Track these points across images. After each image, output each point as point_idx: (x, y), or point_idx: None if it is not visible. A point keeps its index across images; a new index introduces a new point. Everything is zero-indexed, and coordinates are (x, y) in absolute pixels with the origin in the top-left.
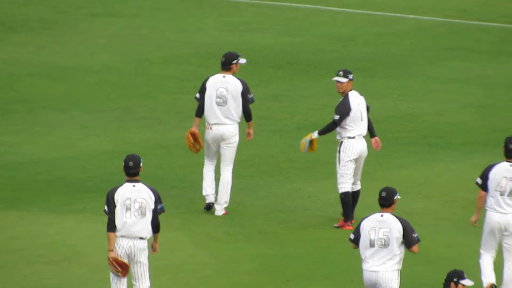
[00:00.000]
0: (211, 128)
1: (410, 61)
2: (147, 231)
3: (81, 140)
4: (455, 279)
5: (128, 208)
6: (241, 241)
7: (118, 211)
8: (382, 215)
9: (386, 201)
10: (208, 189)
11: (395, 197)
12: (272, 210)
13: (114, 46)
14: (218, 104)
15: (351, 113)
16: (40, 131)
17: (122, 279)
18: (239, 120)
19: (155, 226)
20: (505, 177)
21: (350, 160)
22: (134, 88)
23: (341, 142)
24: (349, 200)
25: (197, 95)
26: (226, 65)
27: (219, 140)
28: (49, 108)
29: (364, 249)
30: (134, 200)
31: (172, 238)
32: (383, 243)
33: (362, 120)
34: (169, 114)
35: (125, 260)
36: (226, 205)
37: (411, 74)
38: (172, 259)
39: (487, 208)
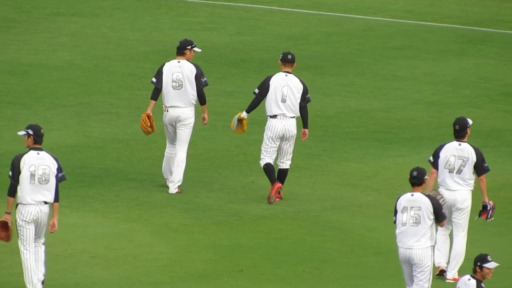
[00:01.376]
0: (167, 110)
1: (359, 59)
2: (51, 196)
3: (43, 134)
4: (478, 263)
5: (32, 175)
6: (196, 232)
7: (24, 177)
8: (412, 195)
9: (417, 180)
10: (167, 172)
11: (425, 177)
12: (227, 202)
13: (75, 44)
14: (174, 88)
15: (270, 92)
16: (4, 125)
17: (28, 242)
18: (194, 103)
19: (56, 195)
20: (454, 155)
21: (271, 138)
22: (95, 84)
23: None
24: (270, 168)
25: (153, 79)
26: (181, 49)
27: (175, 121)
28: (13, 104)
29: (399, 226)
30: (38, 166)
31: (130, 229)
32: (415, 221)
33: (284, 101)
34: (129, 109)
35: (28, 226)
36: (179, 183)
37: (360, 72)
38: (130, 249)
39: (438, 186)
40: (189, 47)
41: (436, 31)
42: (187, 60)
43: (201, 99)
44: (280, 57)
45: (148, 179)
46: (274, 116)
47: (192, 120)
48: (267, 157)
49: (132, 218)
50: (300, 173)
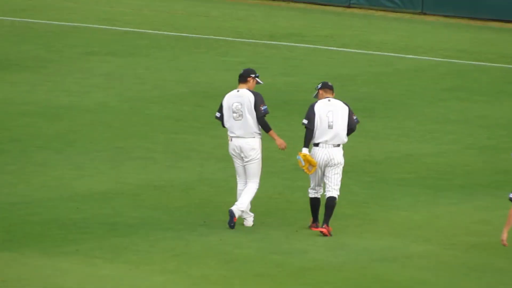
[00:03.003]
0: (231, 139)
1: (409, 101)
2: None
3: (75, 180)
4: None
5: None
6: (237, 284)
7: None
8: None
9: None
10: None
11: None
12: (269, 252)
13: (109, 85)
14: (235, 119)
15: (316, 119)
16: (34, 171)
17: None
18: (258, 133)
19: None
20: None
21: (317, 165)
22: (130, 127)
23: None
24: (314, 204)
25: (217, 113)
26: (244, 76)
27: (240, 152)
28: (43, 148)
29: None
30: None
31: (166, 281)
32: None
33: (330, 127)
34: (165, 154)
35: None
36: (242, 208)
37: (410, 114)
38: None
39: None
40: (253, 75)
41: (490, 71)
42: (248, 89)
43: (264, 127)
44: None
45: (185, 228)
46: (316, 145)
47: (258, 152)
48: (310, 187)
49: (168, 269)
50: (347, 222)
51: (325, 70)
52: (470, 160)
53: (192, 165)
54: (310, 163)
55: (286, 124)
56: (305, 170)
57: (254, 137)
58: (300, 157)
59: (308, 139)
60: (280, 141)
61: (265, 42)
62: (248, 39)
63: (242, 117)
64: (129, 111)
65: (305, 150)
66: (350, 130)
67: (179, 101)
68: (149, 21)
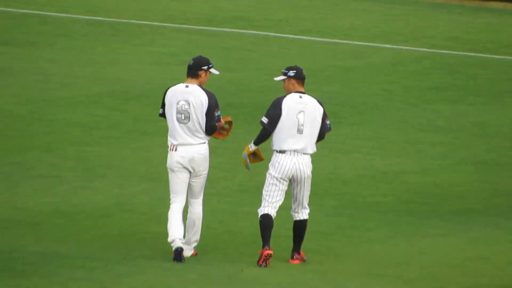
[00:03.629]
0: (175, 149)
1: (386, 103)
2: None
3: None
4: None
5: None
6: None
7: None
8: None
9: None
10: (176, 230)
11: None
12: None
13: (2, 83)
14: (179, 121)
15: (282, 120)
16: None
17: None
18: (208, 139)
19: None
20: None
21: (276, 179)
22: (29, 137)
23: (272, 157)
24: (266, 223)
25: (160, 110)
26: (193, 69)
27: (188, 165)
28: None
29: None
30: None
31: None
32: None
33: (301, 132)
34: (74, 171)
35: None
36: (196, 243)
37: (387, 120)
38: None
39: None
40: (205, 67)
41: (490, 65)
42: (200, 84)
43: (212, 133)
44: (294, 74)
45: (101, 266)
46: (283, 152)
47: (208, 164)
48: (267, 206)
49: None
50: (307, 258)
51: (278, 64)
52: (463, 179)
53: (108, 186)
54: (257, 160)
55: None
56: (249, 168)
57: (204, 142)
58: (245, 155)
59: (261, 140)
60: (220, 124)
61: (202, 28)
62: (181, 24)
63: (189, 120)
64: (29, 116)
65: (253, 147)
66: (319, 137)
67: (92, 104)
68: (54, 0)
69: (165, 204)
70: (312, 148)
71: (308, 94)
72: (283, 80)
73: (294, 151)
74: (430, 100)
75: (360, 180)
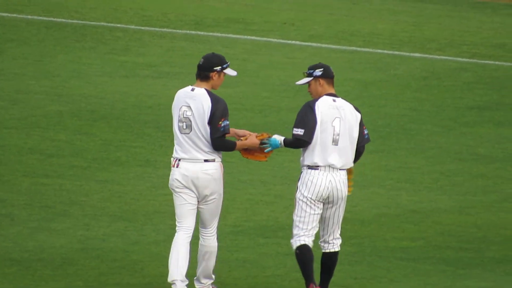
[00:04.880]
0: (177, 165)
1: (410, 124)
2: None
3: None
4: None
5: None
6: None
7: None
8: None
9: None
10: (177, 267)
11: None
12: None
13: None
14: (180, 130)
15: (316, 128)
16: None
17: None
18: (218, 155)
19: None
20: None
21: (309, 201)
22: None
23: (301, 172)
24: (306, 256)
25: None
26: (203, 71)
27: (192, 184)
28: None
29: None
30: None
31: None
32: None
33: (337, 143)
34: (29, 209)
35: None
36: (212, 280)
37: (416, 146)
38: None
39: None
40: (219, 67)
41: None
42: (211, 88)
43: (223, 149)
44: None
45: None
46: (316, 168)
47: (220, 185)
48: (303, 234)
49: None
50: None
51: (281, 77)
52: (510, 219)
53: (71, 227)
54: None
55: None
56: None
57: (214, 159)
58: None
59: (292, 146)
60: (249, 143)
61: (188, 32)
62: (161, 28)
63: (190, 130)
64: None
65: (279, 138)
66: (358, 151)
67: (51, 126)
68: None
69: (142, 249)
70: (349, 163)
71: (342, 97)
72: (308, 83)
73: (330, 166)
74: (470, 122)
75: (383, 220)
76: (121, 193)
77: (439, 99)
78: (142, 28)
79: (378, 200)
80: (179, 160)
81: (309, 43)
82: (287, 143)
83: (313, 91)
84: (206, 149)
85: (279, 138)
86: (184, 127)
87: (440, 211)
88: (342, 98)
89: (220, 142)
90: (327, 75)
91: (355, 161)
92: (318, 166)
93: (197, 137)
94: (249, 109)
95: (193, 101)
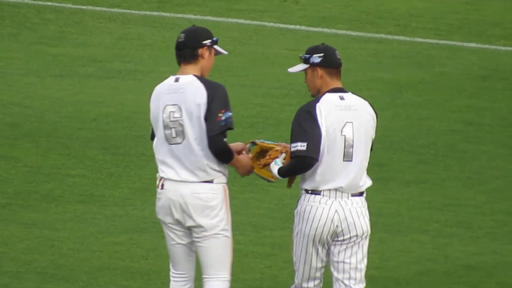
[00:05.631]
0: (162, 187)
1: (470, 147)
2: None
3: None
4: None
5: None
6: None
7: None
8: None
9: None
10: None
11: None
12: None
13: None
14: (167, 138)
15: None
16: None
17: None
18: (217, 171)
19: None
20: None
21: (308, 238)
22: None
23: (298, 200)
24: None
25: (151, 129)
26: (188, 48)
27: (180, 215)
28: None
29: None
30: None
31: None
32: None
33: (349, 157)
34: None
35: None
36: None
37: (471, 175)
38: None
39: None
40: (208, 41)
41: None
42: (201, 75)
43: (223, 156)
44: (320, 61)
45: None
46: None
47: (223, 215)
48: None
49: None
50: None
51: (279, 76)
52: None
53: None
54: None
55: None
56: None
57: (212, 179)
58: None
59: (291, 174)
60: (243, 163)
61: (148, 13)
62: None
63: (183, 137)
64: None
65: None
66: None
67: None
68: None
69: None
70: (365, 181)
71: (352, 92)
72: (305, 71)
73: (337, 190)
74: None
75: (426, 280)
76: (54, 241)
77: (505, 108)
78: (83, 7)
79: (420, 251)
80: (165, 180)
81: (320, 29)
82: (284, 172)
83: (309, 84)
84: (208, 164)
85: (274, 168)
86: (174, 134)
87: (507, 266)
88: (352, 92)
89: (218, 142)
90: (329, 64)
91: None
92: (321, 190)
93: (192, 147)
94: (235, 121)
95: (180, 96)
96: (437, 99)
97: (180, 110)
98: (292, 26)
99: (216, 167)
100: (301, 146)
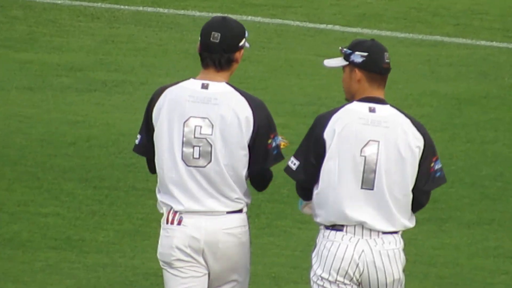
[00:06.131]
0: (180, 222)
1: None
2: None
3: None
4: None
5: None
6: None
7: None
8: None
9: None
10: None
11: None
12: None
13: None
14: (186, 161)
15: (329, 159)
16: None
17: None
18: (246, 201)
19: None
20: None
21: (325, 282)
22: None
23: (317, 238)
24: None
25: (138, 137)
26: (222, 51)
27: (201, 254)
28: None
29: None
30: None
31: None
32: None
33: (370, 185)
34: None
35: None
36: None
37: None
38: None
39: None
40: (243, 40)
41: None
42: (229, 83)
43: (264, 189)
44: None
45: None
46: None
47: (247, 253)
48: None
49: None
50: None
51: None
52: None
53: None
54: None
55: None
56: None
57: (240, 209)
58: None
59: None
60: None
61: (141, 9)
62: (95, 3)
63: (209, 160)
64: None
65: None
66: (416, 201)
67: None
68: None
69: None
70: (399, 220)
71: (390, 105)
72: (343, 68)
73: (359, 225)
74: None
75: None
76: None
77: None
78: (59, 2)
79: None
80: (182, 213)
81: (358, 29)
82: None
83: (344, 86)
84: (233, 194)
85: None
86: (196, 155)
87: None
88: (391, 105)
89: (270, 177)
90: (372, 67)
91: (415, 210)
92: (339, 226)
93: (220, 173)
94: None
95: (213, 108)
96: (506, 118)
97: (212, 126)
98: (322, 26)
99: (243, 196)
100: (292, 163)
